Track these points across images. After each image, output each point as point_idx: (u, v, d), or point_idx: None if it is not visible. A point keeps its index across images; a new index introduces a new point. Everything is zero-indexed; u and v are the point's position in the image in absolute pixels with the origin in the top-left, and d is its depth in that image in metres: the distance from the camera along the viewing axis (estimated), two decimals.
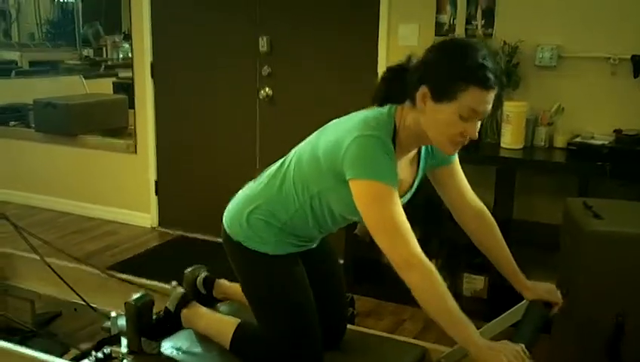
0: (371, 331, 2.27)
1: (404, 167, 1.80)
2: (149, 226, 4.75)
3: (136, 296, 2.08)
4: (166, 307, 2.11)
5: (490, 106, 1.61)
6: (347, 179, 1.66)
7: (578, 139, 3.23)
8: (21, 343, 2.56)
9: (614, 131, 3.21)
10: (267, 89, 4.15)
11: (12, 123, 5.42)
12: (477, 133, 1.66)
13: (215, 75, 4.34)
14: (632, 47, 3.20)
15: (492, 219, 1.97)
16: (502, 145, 3.32)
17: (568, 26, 3.33)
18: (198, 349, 2.05)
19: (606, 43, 3.26)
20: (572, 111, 3.36)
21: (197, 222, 4.53)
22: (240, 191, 2.02)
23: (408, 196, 1.86)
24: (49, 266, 2.63)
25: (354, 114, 1.79)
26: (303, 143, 1.88)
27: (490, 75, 1.57)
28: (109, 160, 4.85)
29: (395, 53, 3.66)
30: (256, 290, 1.95)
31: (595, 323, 2.28)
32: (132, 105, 4.75)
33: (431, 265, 1.61)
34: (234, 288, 2.22)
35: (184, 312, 2.10)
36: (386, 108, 1.73)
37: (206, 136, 4.46)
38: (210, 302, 2.22)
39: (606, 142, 3.14)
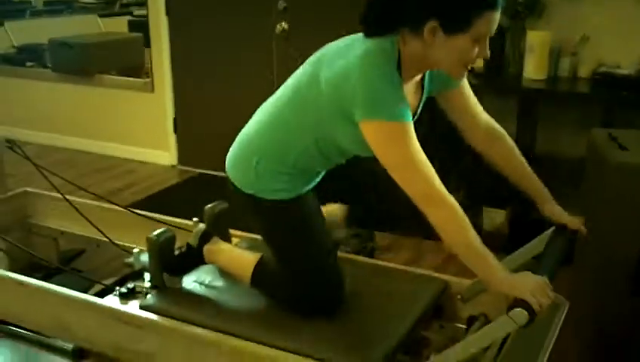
0: (391, 264, 2.27)
1: (409, 93, 1.73)
2: (169, 164, 4.77)
3: (157, 231, 2.08)
4: (188, 243, 2.11)
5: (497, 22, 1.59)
6: (357, 121, 1.61)
7: (603, 69, 3.15)
8: (45, 279, 2.61)
9: None
10: (283, 23, 4.07)
11: (28, 63, 5.41)
12: (489, 52, 1.63)
13: (231, 11, 4.26)
14: None
15: (509, 139, 1.92)
16: (524, 75, 3.25)
17: None
18: (219, 283, 2.07)
19: None
20: (597, 41, 3.27)
21: (216, 160, 4.48)
22: (240, 135, 1.97)
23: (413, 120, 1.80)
24: (71, 204, 2.64)
25: (349, 45, 1.71)
26: (296, 76, 1.82)
27: None
28: (126, 98, 4.83)
29: None
30: (275, 238, 1.93)
31: (618, 254, 2.27)
32: (148, 44, 4.70)
33: (452, 199, 1.59)
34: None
35: (206, 248, 2.10)
36: (386, 38, 1.64)
37: (223, 72, 4.42)
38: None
39: (632, 72, 3.06)
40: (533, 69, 3.21)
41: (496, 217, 3.45)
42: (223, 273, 2.11)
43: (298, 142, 1.79)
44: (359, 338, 1.79)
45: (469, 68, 1.67)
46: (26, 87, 5.27)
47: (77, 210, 2.61)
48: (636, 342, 2.34)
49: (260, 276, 1.98)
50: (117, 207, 2.75)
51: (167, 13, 4.48)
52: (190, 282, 2.08)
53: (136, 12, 6.88)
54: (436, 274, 2.19)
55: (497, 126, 1.92)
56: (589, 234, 1.88)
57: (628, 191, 2.22)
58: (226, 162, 1.97)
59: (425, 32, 1.58)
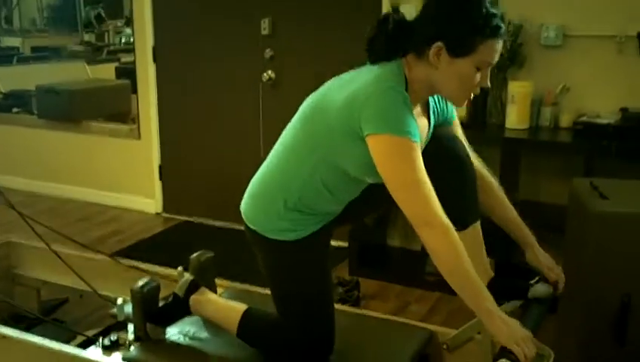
0: (376, 314, 2.27)
1: (418, 120, 1.72)
2: (154, 212, 4.75)
3: (142, 281, 2.07)
4: (174, 293, 2.09)
5: (499, 53, 1.64)
6: (365, 135, 1.59)
7: (584, 119, 3.20)
8: (27, 330, 2.58)
9: (620, 110, 3.18)
10: (270, 72, 4.13)
11: (15, 110, 5.42)
12: (489, 82, 1.67)
13: (217, 58, 4.32)
14: (637, 25, 3.16)
15: (493, 178, 1.93)
16: (507, 125, 3.30)
17: (573, 3, 3.29)
18: (204, 335, 2.05)
19: (612, 21, 3.22)
20: (578, 91, 3.34)
21: (201, 207, 4.52)
22: (252, 181, 1.93)
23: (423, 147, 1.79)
24: (55, 253, 2.63)
25: (357, 72, 1.74)
26: (300, 110, 1.82)
27: (502, 24, 1.61)
28: (112, 145, 4.84)
29: None
30: (275, 279, 1.90)
31: (601, 303, 2.28)
32: (135, 90, 4.74)
33: (450, 225, 1.56)
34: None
35: (193, 298, 2.07)
36: (393, 63, 1.67)
37: (209, 121, 4.45)
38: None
39: (612, 121, 3.11)
40: (515, 119, 3.27)
41: None
42: (207, 324, 2.08)
43: (303, 166, 1.76)
44: None
45: (471, 97, 1.69)
46: (12, 133, 5.27)
47: (61, 259, 2.60)
48: None
49: (247, 327, 1.95)
50: (101, 256, 2.74)
51: (155, 60, 4.53)
52: (174, 333, 2.06)
53: (124, 59, 6.96)
54: (422, 324, 2.19)
55: (486, 169, 1.93)
56: (574, 283, 1.89)
57: (609, 240, 2.24)
58: (242, 205, 1.93)
59: (430, 53, 1.62)
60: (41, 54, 7.66)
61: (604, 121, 3.12)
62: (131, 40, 4.72)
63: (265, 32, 4.07)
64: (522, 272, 1.94)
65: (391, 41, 1.68)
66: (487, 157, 3.40)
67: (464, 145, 1.87)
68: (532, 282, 1.87)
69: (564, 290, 1.88)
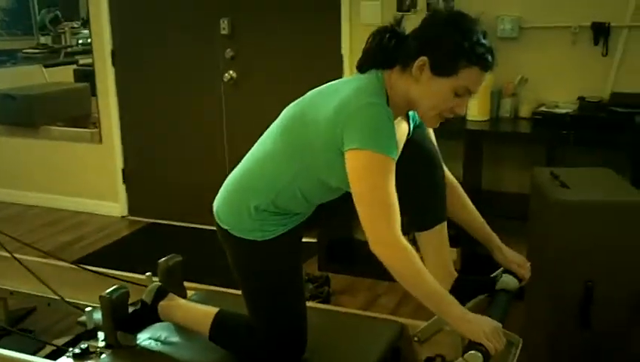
0: (346, 310, 2.28)
1: (398, 125, 1.75)
2: (119, 215, 4.71)
3: (110, 289, 2.04)
4: (142, 300, 2.07)
5: (481, 86, 1.66)
6: (345, 150, 1.60)
7: (542, 109, 3.27)
8: None
9: (578, 99, 3.26)
10: (231, 72, 4.11)
11: None
12: (465, 110, 1.69)
13: (178, 60, 4.29)
14: (591, 15, 3.23)
15: (459, 186, 1.98)
16: (468, 117, 3.35)
17: None
18: (175, 339, 2.04)
19: (566, 12, 3.29)
20: (536, 82, 3.40)
21: (166, 209, 4.50)
22: (226, 180, 1.93)
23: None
24: (19, 262, 2.59)
25: (340, 83, 1.76)
26: (281, 118, 1.81)
27: (491, 58, 1.63)
28: (74, 150, 4.78)
29: (358, 31, 3.65)
30: (245, 278, 1.90)
31: (566, 290, 2.34)
32: (95, 93, 4.67)
33: (406, 245, 1.59)
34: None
35: (161, 304, 2.05)
36: (373, 75, 1.69)
37: (172, 122, 4.42)
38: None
39: (570, 110, 3.18)
40: (476, 111, 3.32)
41: None
42: (179, 329, 2.07)
43: (282, 175, 1.76)
44: None
45: (443, 120, 1.71)
46: None
47: (26, 267, 2.56)
48: None
49: (219, 329, 1.95)
50: (66, 263, 2.70)
51: (114, 63, 4.47)
52: (145, 339, 2.04)
53: (82, 61, 6.85)
54: (392, 317, 2.21)
55: (451, 175, 1.97)
56: (538, 270, 1.94)
57: (571, 228, 2.30)
58: (215, 199, 1.92)
59: (414, 67, 1.63)
60: None
61: (563, 111, 3.19)
62: (89, 41, 4.65)
63: (224, 32, 4.05)
64: (488, 263, 1.98)
65: (384, 50, 1.69)
66: (449, 149, 3.48)
67: (435, 147, 1.90)
68: (497, 273, 1.92)
69: (530, 277, 1.93)
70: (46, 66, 6.65)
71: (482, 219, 1.97)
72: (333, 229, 3.68)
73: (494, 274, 1.93)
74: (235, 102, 4.17)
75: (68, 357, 2.04)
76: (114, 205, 4.73)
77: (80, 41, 8.33)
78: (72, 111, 5.19)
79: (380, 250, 1.59)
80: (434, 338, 2.04)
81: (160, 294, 2.05)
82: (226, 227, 1.86)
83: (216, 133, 4.24)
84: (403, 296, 3.18)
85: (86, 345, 2.05)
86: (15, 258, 2.62)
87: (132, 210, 4.70)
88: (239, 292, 1.95)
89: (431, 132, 1.92)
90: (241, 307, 1.92)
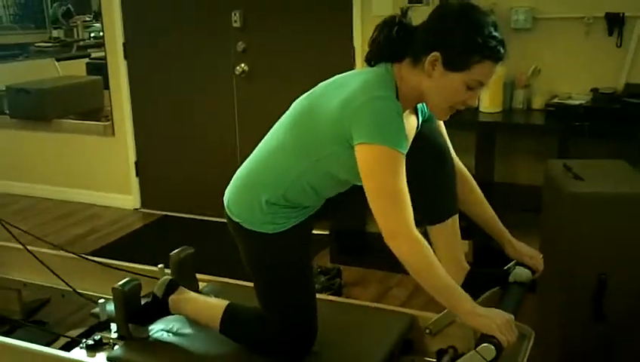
0: (358, 302, 2.28)
1: (407, 119, 1.75)
2: (132, 208, 4.73)
3: (123, 281, 2.05)
4: (153, 293, 2.07)
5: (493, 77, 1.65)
6: (355, 144, 1.61)
7: (556, 100, 3.24)
8: (9, 333, 2.56)
9: (591, 90, 3.23)
10: (243, 65, 4.11)
11: None
12: (477, 102, 1.69)
13: (190, 53, 4.29)
14: (605, 5, 3.20)
15: (472, 178, 1.97)
16: (481, 109, 3.33)
17: None
18: (188, 331, 2.05)
19: (579, 2, 3.25)
20: (549, 73, 3.38)
21: (179, 202, 4.51)
22: (240, 168, 1.93)
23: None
24: (32, 254, 2.61)
25: (348, 75, 1.75)
26: (291, 111, 1.82)
27: (503, 50, 1.62)
28: (87, 143, 4.80)
29: (370, 23, 3.63)
30: (256, 271, 1.90)
31: (579, 282, 2.32)
32: (107, 86, 4.69)
33: (420, 238, 1.60)
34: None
35: (172, 298, 2.05)
36: (382, 68, 1.69)
37: (184, 115, 4.43)
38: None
39: (583, 102, 3.16)
40: (488, 103, 3.30)
41: None
42: (191, 321, 2.08)
43: (291, 170, 1.77)
44: None
45: (454, 112, 1.71)
46: None
47: (38, 259, 2.58)
48: None
49: (230, 322, 1.95)
50: (77, 255, 2.72)
51: (126, 56, 4.48)
52: (158, 331, 2.05)
53: (94, 54, 6.87)
54: (403, 309, 2.21)
55: (464, 168, 1.97)
56: (551, 262, 1.93)
57: (584, 220, 2.28)
58: (226, 192, 1.93)
59: (426, 62, 1.63)
60: (9, 52, 7.55)
61: (576, 102, 3.17)
62: (101, 34, 4.67)
63: (236, 24, 4.05)
64: (500, 256, 1.97)
65: (391, 43, 1.68)
66: (462, 141, 3.46)
67: (445, 140, 1.89)
68: (510, 266, 1.91)
69: (543, 269, 1.92)
70: (58, 60, 6.68)
71: (493, 213, 1.96)
72: (345, 221, 3.67)
73: (507, 266, 1.92)
74: (247, 95, 4.17)
75: (81, 348, 2.07)
76: (127, 198, 4.75)
77: (92, 35, 8.37)
78: (85, 104, 5.21)
79: (394, 243, 1.59)
80: (446, 331, 2.04)
81: (171, 287, 2.06)
82: (237, 220, 1.86)
83: (228, 125, 4.24)
84: (415, 288, 3.18)
85: (99, 337, 2.08)
86: (28, 250, 2.64)
87: (145, 203, 4.72)
88: (251, 284, 1.95)
89: (441, 123, 1.91)
90: (253, 299, 1.93)
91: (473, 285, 1.85)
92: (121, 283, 2.04)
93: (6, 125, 5.08)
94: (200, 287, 2.31)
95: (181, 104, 4.42)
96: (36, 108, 4.91)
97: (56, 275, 2.52)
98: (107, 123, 4.73)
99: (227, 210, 1.89)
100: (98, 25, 6.92)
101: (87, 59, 6.83)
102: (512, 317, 1.61)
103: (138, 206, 4.74)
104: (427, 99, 1.70)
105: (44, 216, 4.64)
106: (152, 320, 2.08)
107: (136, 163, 4.67)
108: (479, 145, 3.32)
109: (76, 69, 6.55)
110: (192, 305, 2.05)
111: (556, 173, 2.46)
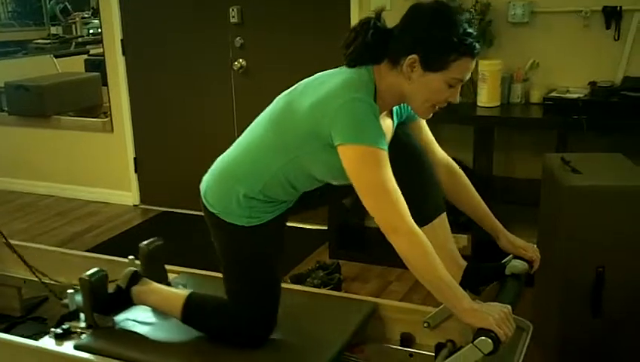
0: (319, 290, 2.32)
1: (383, 121, 1.77)
2: (131, 204, 4.74)
3: (90, 271, 2.10)
4: (117, 284, 2.12)
5: (471, 72, 1.69)
6: (336, 145, 1.64)
7: (554, 94, 3.24)
8: (9, 329, 2.58)
9: (589, 84, 3.23)
10: (241, 60, 4.11)
11: None
12: (458, 98, 1.72)
13: (188, 49, 4.29)
14: None
15: (463, 173, 1.98)
16: (478, 103, 3.33)
17: None
18: (152, 320, 2.11)
19: None
20: (547, 67, 3.38)
21: (179, 198, 4.51)
22: (217, 160, 1.98)
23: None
24: (10, 247, 2.63)
25: (328, 74, 1.77)
26: (272, 107, 1.85)
27: (477, 44, 1.65)
28: (85, 140, 4.80)
29: None
30: (227, 261, 1.95)
31: (577, 275, 2.33)
32: (105, 83, 4.69)
33: (419, 231, 1.62)
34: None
35: (135, 289, 2.11)
36: (363, 69, 1.72)
37: (182, 111, 4.43)
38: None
39: (581, 95, 3.16)
40: (486, 97, 3.30)
41: (459, 241, 3.52)
42: (156, 311, 2.14)
43: (270, 166, 1.80)
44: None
45: (436, 110, 1.74)
46: None
47: (17, 254, 2.60)
48: (600, 360, 2.40)
49: (190, 312, 2.01)
50: (77, 252, 2.74)
51: (124, 52, 4.48)
52: (124, 320, 2.11)
53: (93, 51, 6.87)
54: (366, 298, 2.26)
55: (453, 163, 1.98)
56: (549, 256, 1.94)
57: (582, 213, 2.29)
58: (202, 181, 1.98)
59: (404, 64, 1.66)
60: (8, 49, 7.54)
61: (574, 96, 3.17)
62: (99, 31, 4.67)
63: (234, 20, 4.05)
64: (499, 249, 1.98)
65: (369, 47, 1.70)
66: (460, 135, 3.48)
67: (427, 139, 1.94)
68: (506, 259, 1.91)
69: (540, 263, 1.93)
70: (57, 57, 6.68)
71: (486, 207, 1.97)
72: (344, 216, 3.68)
73: (504, 260, 1.93)
74: (245, 91, 4.17)
75: (50, 337, 2.10)
76: (126, 194, 4.75)
77: (90, 31, 8.36)
78: (84, 101, 5.22)
79: (395, 238, 1.61)
80: (444, 324, 2.05)
81: (134, 279, 2.12)
82: (213, 211, 1.90)
83: (226, 121, 4.24)
84: (414, 283, 3.19)
85: (68, 326, 2.12)
86: (11, 246, 2.64)
87: (144, 199, 4.73)
88: (219, 275, 2.03)
89: (422, 121, 1.94)
90: (221, 289, 1.99)
91: (471, 282, 1.88)
92: (88, 273, 2.09)
93: (5, 122, 5.08)
94: (171, 278, 2.36)
95: (179, 100, 4.42)
96: (35, 104, 4.91)
97: (30, 269, 2.53)
98: (106, 119, 4.74)
99: (204, 200, 1.93)
100: (96, 21, 6.91)
101: (85, 56, 6.83)
102: (509, 307, 1.61)
103: (137, 202, 4.74)
104: (409, 101, 1.74)
105: (43, 212, 4.65)
106: (117, 310, 2.13)
107: (135, 159, 4.67)
108: (477, 140, 3.32)
109: (75, 65, 6.55)
110: (155, 295, 2.10)
111: (554, 167, 2.47)
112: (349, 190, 1.72)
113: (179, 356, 1.92)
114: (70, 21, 8.47)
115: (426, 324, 2.07)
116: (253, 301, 1.92)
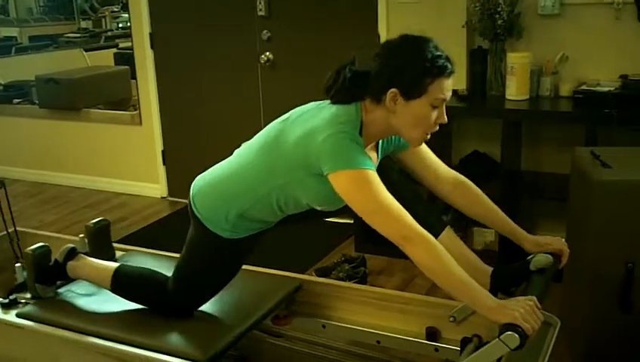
0: (253, 268, 2.38)
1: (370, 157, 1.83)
2: (159, 196, 4.78)
3: (34, 246, 2.26)
4: (56, 258, 2.28)
5: (451, 90, 1.77)
6: (325, 174, 1.72)
7: (584, 87, 3.20)
8: None
9: (620, 77, 3.17)
10: (268, 53, 4.12)
11: (15, 101, 5.42)
12: (446, 118, 1.78)
13: (215, 42, 4.31)
14: None
15: (473, 185, 2.00)
16: (507, 97, 3.30)
17: None
18: (91, 292, 2.26)
19: None
20: (577, 59, 3.33)
21: None
22: (214, 168, 2.07)
23: None
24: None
25: (319, 107, 1.85)
26: (266, 132, 1.94)
27: (449, 64, 1.73)
28: (114, 132, 4.86)
29: (395, 9, 3.62)
30: (190, 256, 2.08)
31: (606, 271, 2.30)
32: (134, 76, 4.74)
33: (428, 235, 1.66)
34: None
35: (70, 263, 2.26)
36: (352, 105, 1.79)
37: (209, 103, 4.45)
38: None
39: (612, 89, 3.11)
40: (515, 90, 3.26)
41: (486, 236, 3.49)
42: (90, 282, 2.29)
43: (260, 188, 1.88)
44: (208, 329, 2.03)
45: (428, 136, 1.81)
46: (14, 124, 5.29)
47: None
48: (628, 358, 2.37)
49: (118, 282, 2.16)
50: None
51: (152, 45, 4.52)
52: (65, 291, 2.28)
53: (122, 44, 6.94)
54: (292, 275, 2.39)
55: (462, 177, 2.01)
56: (578, 252, 1.92)
57: (612, 208, 2.26)
58: (195, 181, 2.10)
59: (387, 99, 1.74)
60: (39, 43, 7.65)
61: (605, 89, 3.12)
62: (128, 24, 4.71)
63: (261, 13, 4.05)
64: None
65: (347, 90, 1.80)
66: (488, 129, 3.45)
67: (395, 170, 1.98)
68: (531, 256, 1.89)
69: (569, 259, 1.91)
70: (87, 50, 6.76)
71: (503, 214, 1.97)
72: None
73: (530, 256, 1.91)
74: (272, 84, 4.18)
75: None
76: (154, 186, 4.80)
77: (120, 25, 8.44)
78: (113, 94, 5.27)
79: (410, 247, 1.66)
80: (470, 319, 2.04)
81: (70, 254, 2.28)
82: (198, 215, 2.00)
83: (253, 114, 4.25)
84: None
85: (14, 296, 2.26)
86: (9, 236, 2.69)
87: (172, 191, 4.77)
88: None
89: (420, 151, 1.99)
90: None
91: (500, 284, 1.90)
92: (32, 247, 2.26)
93: (35, 115, 5.16)
94: (118, 255, 2.53)
95: (207, 93, 4.44)
96: (65, 98, 4.97)
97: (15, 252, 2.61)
98: (134, 112, 4.78)
99: (192, 202, 2.04)
100: (126, 15, 6.98)
101: (114, 50, 6.90)
102: (534, 298, 1.61)
103: (165, 194, 4.78)
104: (400, 132, 1.81)
105: (73, 204, 4.71)
106: (55, 282, 2.28)
107: (163, 152, 4.71)
108: (505, 133, 3.29)
109: (104, 59, 6.62)
110: (87, 269, 2.26)
111: (583, 161, 2.43)
112: (332, 213, 1.89)
113: (110, 323, 2.08)
114: (100, 15, 8.56)
115: (451, 318, 2.06)
116: (194, 291, 2.07)
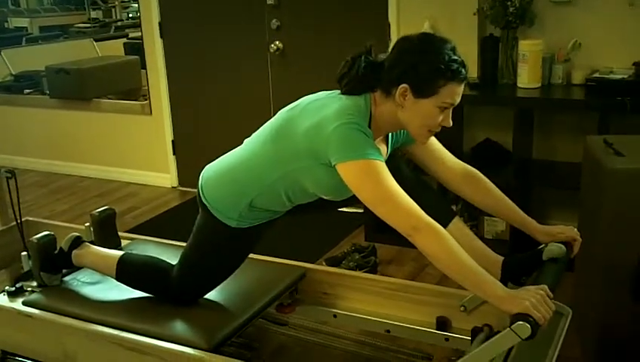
0: (261, 257, 2.38)
1: (379, 148, 1.83)
2: (169, 186, 4.79)
3: (39, 235, 2.28)
4: (61, 247, 2.29)
5: (461, 96, 1.78)
6: (333, 164, 1.72)
7: (596, 75, 3.16)
8: None
9: (633, 64, 3.14)
10: (277, 42, 4.10)
11: (26, 91, 5.44)
12: (451, 122, 1.79)
13: (224, 31, 4.30)
14: None
15: (482, 176, 2.00)
16: (519, 85, 3.27)
17: None
18: (95, 279, 2.29)
19: None
20: (589, 47, 3.29)
21: None
22: (223, 158, 2.07)
23: None
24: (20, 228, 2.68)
25: (328, 97, 1.85)
26: (274, 121, 1.93)
27: (463, 70, 1.74)
28: (125, 122, 4.86)
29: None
30: (197, 245, 2.07)
31: (618, 260, 2.28)
32: (144, 66, 4.73)
33: (438, 226, 1.65)
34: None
35: (75, 252, 2.27)
36: (361, 96, 1.81)
37: (219, 93, 4.45)
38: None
39: (625, 76, 3.08)
40: (526, 78, 3.23)
41: (496, 225, 3.47)
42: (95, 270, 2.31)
43: (268, 176, 1.88)
44: (213, 317, 2.04)
45: (433, 134, 1.82)
46: (25, 114, 5.31)
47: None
48: None
49: (123, 270, 2.17)
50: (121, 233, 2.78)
51: (162, 35, 4.51)
52: (71, 280, 2.30)
53: (132, 34, 6.95)
54: (296, 263, 2.39)
55: (470, 168, 2.01)
56: (590, 241, 1.90)
57: (625, 197, 2.23)
58: (204, 170, 2.10)
59: (396, 94, 1.75)
60: (49, 33, 7.67)
61: (618, 77, 3.09)
62: (138, 14, 4.71)
63: (270, 1, 4.03)
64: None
65: (361, 79, 1.81)
66: (500, 117, 3.43)
67: (403, 160, 1.99)
68: (543, 246, 1.88)
69: (581, 248, 1.89)
70: (97, 40, 6.77)
71: (513, 204, 1.96)
72: None
73: (541, 246, 1.89)
74: (282, 73, 4.17)
75: (3, 294, 2.26)
76: (164, 176, 4.81)
77: (130, 15, 8.46)
78: (123, 84, 5.28)
79: (419, 237, 1.65)
80: (481, 308, 2.03)
81: (75, 243, 2.29)
82: (206, 204, 2.00)
83: (263, 103, 4.25)
84: None
85: (20, 285, 2.28)
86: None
87: (182, 181, 4.77)
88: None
89: (430, 144, 1.99)
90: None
91: (511, 274, 1.89)
92: (37, 236, 2.28)
93: (46, 105, 5.18)
94: (124, 244, 2.55)
95: (217, 82, 4.43)
96: (75, 88, 4.98)
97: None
98: (145, 102, 4.78)
99: (201, 191, 2.04)
100: (135, 5, 6.98)
101: (124, 39, 6.91)
102: (545, 287, 1.60)
103: (175, 184, 4.79)
104: (406, 127, 1.82)
105: (84, 194, 4.73)
106: (60, 271, 2.30)
107: (173, 141, 4.72)
108: (517, 122, 3.27)
109: (114, 49, 6.64)
110: (92, 257, 2.27)
111: (596, 149, 2.41)
112: (340, 203, 1.91)
113: (115, 311, 2.10)
114: (110, 5, 8.57)
115: (462, 308, 2.06)
116: (199, 278, 2.08)
